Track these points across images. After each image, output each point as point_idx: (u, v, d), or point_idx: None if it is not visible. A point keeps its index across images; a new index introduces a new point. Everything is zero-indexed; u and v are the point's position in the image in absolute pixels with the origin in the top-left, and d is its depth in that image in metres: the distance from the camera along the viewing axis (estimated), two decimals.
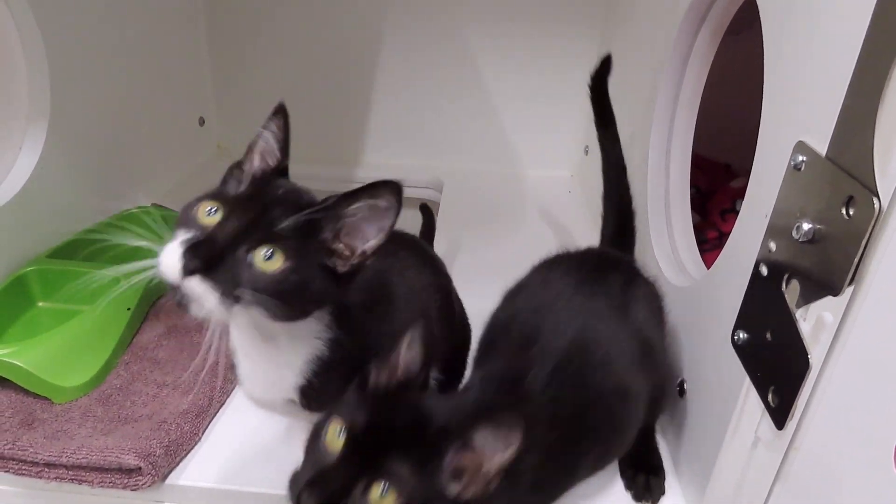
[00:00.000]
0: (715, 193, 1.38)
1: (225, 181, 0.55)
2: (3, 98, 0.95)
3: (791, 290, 0.51)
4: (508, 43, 1.47)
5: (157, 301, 0.98)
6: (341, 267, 0.52)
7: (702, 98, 0.92)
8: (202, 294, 0.47)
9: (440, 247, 1.24)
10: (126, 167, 1.24)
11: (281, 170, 0.56)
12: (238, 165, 0.56)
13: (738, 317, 0.58)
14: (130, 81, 1.24)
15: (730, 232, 1.23)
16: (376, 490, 0.44)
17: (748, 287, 0.57)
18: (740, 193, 1.34)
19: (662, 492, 0.72)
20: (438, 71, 1.49)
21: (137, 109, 1.27)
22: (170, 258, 0.48)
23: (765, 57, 0.60)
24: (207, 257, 0.47)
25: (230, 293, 0.48)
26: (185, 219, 0.50)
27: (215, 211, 0.50)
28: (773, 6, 0.60)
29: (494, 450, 0.46)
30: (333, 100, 1.55)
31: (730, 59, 0.90)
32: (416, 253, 0.72)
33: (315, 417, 0.63)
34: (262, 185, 0.53)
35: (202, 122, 1.52)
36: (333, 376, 0.57)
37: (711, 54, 0.88)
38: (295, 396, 0.59)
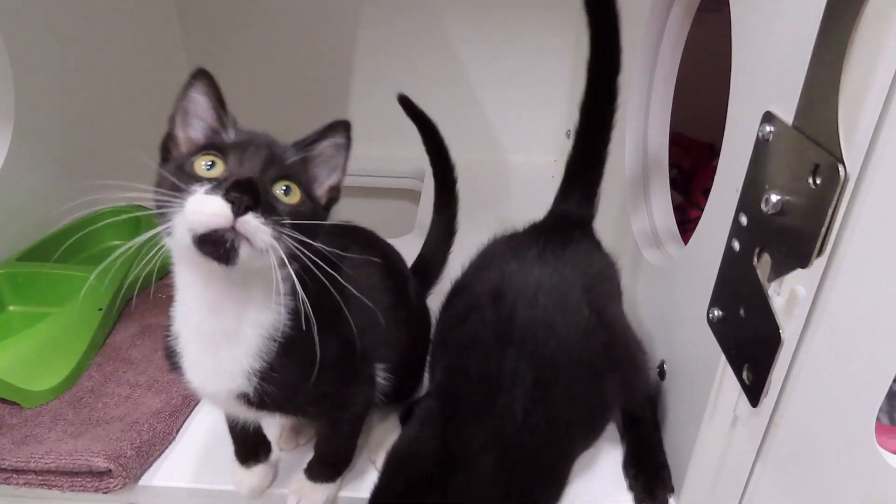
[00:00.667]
0: (698, 173, 1.37)
1: (166, 153, 0.54)
2: None
3: (763, 265, 0.50)
4: (487, 28, 1.45)
5: (130, 301, 0.96)
6: (321, 200, 0.56)
7: (684, 77, 0.90)
8: (257, 231, 0.45)
9: (421, 234, 1.22)
10: (98, 166, 1.22)
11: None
12: (170, 136, 0.54)
13: (713, 294, 0.57)
14: (100, 79, 1.21)
15: None
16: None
17: (721, 263, 0.56)
18: None
19: (670, 490, 0.68)
20: (418, 58, 1.47)
21: (109, 107, 1.24)
22: (210, 205, 0.45)
23: (732, 26, 0.58)
24: (255, 192, 0.46)
25: (277, 224, 0.47)
26: (180, 177, 0.48)
27: (212, 165, 0.49)
28: None
29: None
30: (312, 90, 1.53)
31: (712, 38, 0.89)
32: (367, 247, 0.70)
33: (264, 417, 0.61)
34: (247, 134, 0.53)
35: None
36: (289, 364, 0.54)
37: (685, 31, 0.87)
38: (247, 387, 0.54)
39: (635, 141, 0.94)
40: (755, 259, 0.50)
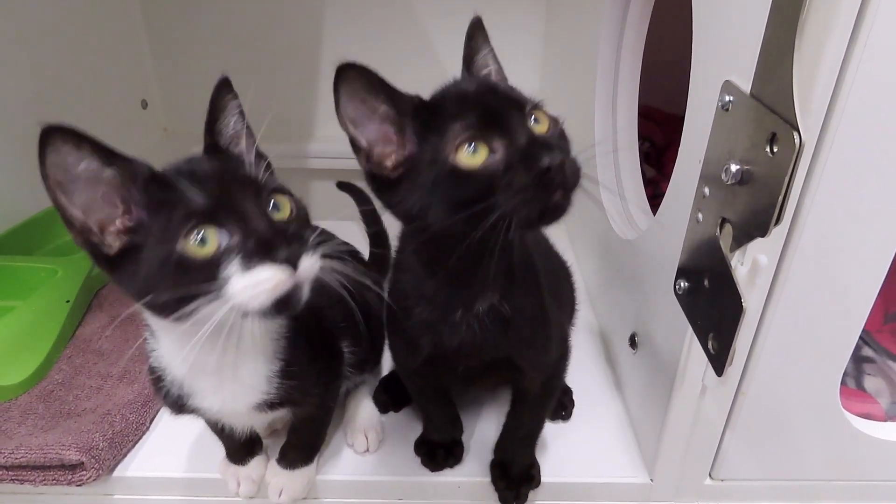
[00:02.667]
0: (671, 147, 1.37)
1: (96, 248, 0.45)
2: None
3: (725, 235, 0.50)
4: (456, 6, 1.43)
5: (99, 291, 0.95)
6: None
7: (654, 49, 0.89)
8: (314, 265, 0.44)
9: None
10: None
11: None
12: (80, 227, 0.45)
13: (679, 265, 0.57)
14: (65, 66, 1.18)
15: None
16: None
17: (686, 234, 0.56)
18: None
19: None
20: (385, 38, 1.45)
21: (73, 93, 1.21)
22: (268, 278, 0.42)
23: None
24: (285, 235, 0.44)
25: (314, 248, 0.45)
26: (186, 270, 0.42)
27: (203, 237, 0.42)
28: None
29: None
30: (282, 73, 1.50)
31: (681, 8, 0.88)
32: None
33: (277, 416, 0.61)
34: (208, 178, 0.46)
35: (145, 105, 1.47)
36: (300, 353, 0.55)
37: (651, 2, 0.86)
38: (269, 391, 0.54)
39: (604, 114, 0.93)
40: (718, 230, 0.50)
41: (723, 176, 0.48)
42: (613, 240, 0.85)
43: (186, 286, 0.41)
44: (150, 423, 0.74)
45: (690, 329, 0.57)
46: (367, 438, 0.70)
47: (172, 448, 0.72)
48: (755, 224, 0.45)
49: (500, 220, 0.44)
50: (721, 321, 0.50)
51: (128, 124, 1.42)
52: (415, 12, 1.44)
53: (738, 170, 0.47)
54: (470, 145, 0.45)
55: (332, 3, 1.43)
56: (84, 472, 0.66)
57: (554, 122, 0.49)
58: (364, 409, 0.74)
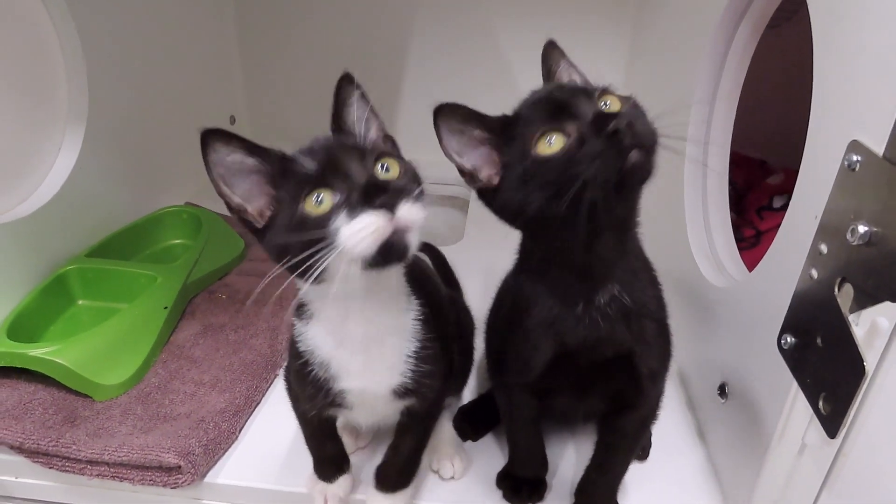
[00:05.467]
0: (751, 190, 1.35)
1: (251, 225, 0.53)
2: (43, 101, 0.96)
3: (844, 295, 0.49)
4: (538, 37, 1.45)
5: (192, 299, 0.99)
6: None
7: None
8: (414, 211, 0.47)
9: (470, 242, 1.23)
10: (159, 166, 1.26)
11: None
12: (235, 209, 0.53)
13: (786, 320, 0.57)
14: (163, 82, 1.26)
15: (767, 230, 1.22)
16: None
17: (796, 290, 0.55)
18: (778, 190, 1.31)
19: None
20: (468, 66, 1.48)
21: (170, 109, 1.28)
22: (367, 223, 0.46)
23: (814, 50, 0.58)
24: (384, 186, 0.48)
25: (416, 198, 0.48)
26: (305, 226, 0.48)
27: (320, 198, 0.48)
28: None
29: None
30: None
31: (766, 53, 0.88)
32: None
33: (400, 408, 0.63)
34: (316, 152, 0.52)
35: (233, 120, 1.54)
36: (432, 337, 0.59)
37: (752, 48, 0.86)
38: (406, 373, 0.58)
39: (695, 159, 0.93)
40: (836, 289, 0.50)
41: (847, 236, 0.47)
42: (702, 285, 0.84)
43: (308, 241, 0.47)
44: (239, 432, 0.77)
45: (794, 385, 0.56)
46: (452, 465, 0.71)
47: (260, 459, 0.74)
48: (886, 288, 0.44)
49: (584, 189, 0.48)
50: (837, 382, 0.49)
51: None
52: (497, 40, 1.47)
53: (866, 231, 0.46)
54: (547, 137, 0.50)
55: (420, 30, 1.48)
56: (180, 476, 0.69)
57: (625, 100, 0.53)
58: (449, 435, 0.75)
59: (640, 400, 0.62)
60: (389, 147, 0.57)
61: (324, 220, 0.47)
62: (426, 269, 0.77)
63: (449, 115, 0.53)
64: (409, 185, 0.50)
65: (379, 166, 0.51)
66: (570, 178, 0.48)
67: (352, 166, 0.50)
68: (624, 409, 0.63)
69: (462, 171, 0.56)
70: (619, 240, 0.55)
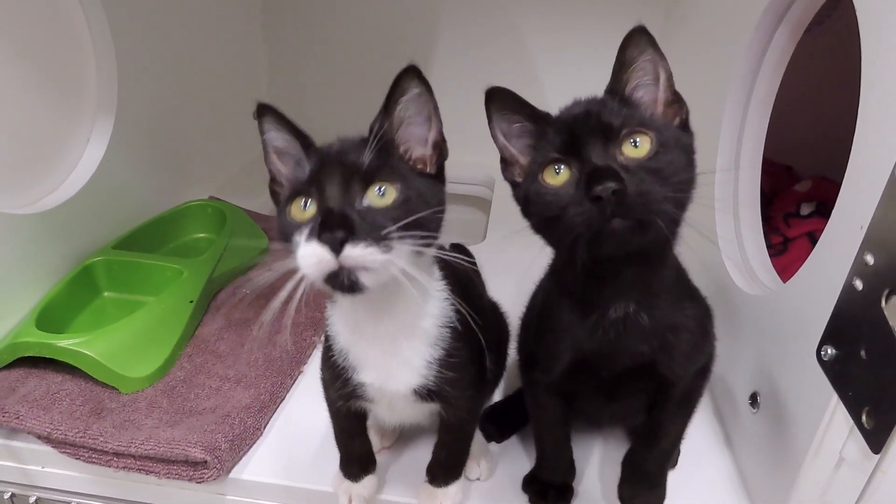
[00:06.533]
0: (778, 197, 1.33)
1: (276, 197, 0.56)
2: (73, 93, 0.97)
3: (892, 307, 0.48)
4: (563, 37, 1.45)
5: (216, 294, 0.99)
6: (431, 168, 0.55)
7: None
8: (364, 255, 0.45)
9: (492, 244, 1.22)
10: (185, 159, 1.26)
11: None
12: (273, 180, 0.56)
13: (826, 331, 0.56)
14: (190, 76, 1.26)
15: (794, 237, 1.20)
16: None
17: (839, 301, 0.54)
18: (806, 197, 1.29)
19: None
20: (492, 66, 1.48)
21: (196, 104, 1.28)
22: (311, 253, 0.46)
23: (862, 57, 0.57)
24: (342, 223, 0.46)
25: (381, 239, 0.46)
26: (287, 228, 0.49)
27: (307, 203, 0.49)
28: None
29: None
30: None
31: (795, 57, 0.86)
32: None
33: (426, 412, 0.62)
34: (319, 157, 0.52)
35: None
36: (462, 347, 0.57)
37: (789, 53, 0.84)
38: (427, 377, 0.57)
39: (726, 164, 0.92)
40: (883, 301, 0.49)
41: None
42: (734, 292, 0.83)
43: (284, 239, 0.49)
44: (264, 429, 0.77)
45: (834, 397, 0.55)
46: (479, 466, 0.70)
47: (284, 456, 0.74)
48: None
49: (571, 238, 0.49)
50: (882, 396, 0.48)
51: (241, 133, 1.49)
52: (523, 40, 1.46)
53: None
54: (555, 166, 0.51)
55: (444, 30, 1.47)
56: (206, 471, 0.69)
57: (661, 130, 0.51)
58: (477, 436, 0.74)
59: (671, 391, 0.62)
60: (433, 154, 0.54)
61: (295, 227, 0.48)
62: (472, 278, 0.75)
63: (500, 99, 0.54)
64: (398, 216, 0.48)
65: (376, 189, 0.49)
66: (560, 220, 0.49)
67: (329, 186, 0.48)
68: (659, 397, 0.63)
69: (504, 159, 0.57)
70: (631, 268, 0.53)
